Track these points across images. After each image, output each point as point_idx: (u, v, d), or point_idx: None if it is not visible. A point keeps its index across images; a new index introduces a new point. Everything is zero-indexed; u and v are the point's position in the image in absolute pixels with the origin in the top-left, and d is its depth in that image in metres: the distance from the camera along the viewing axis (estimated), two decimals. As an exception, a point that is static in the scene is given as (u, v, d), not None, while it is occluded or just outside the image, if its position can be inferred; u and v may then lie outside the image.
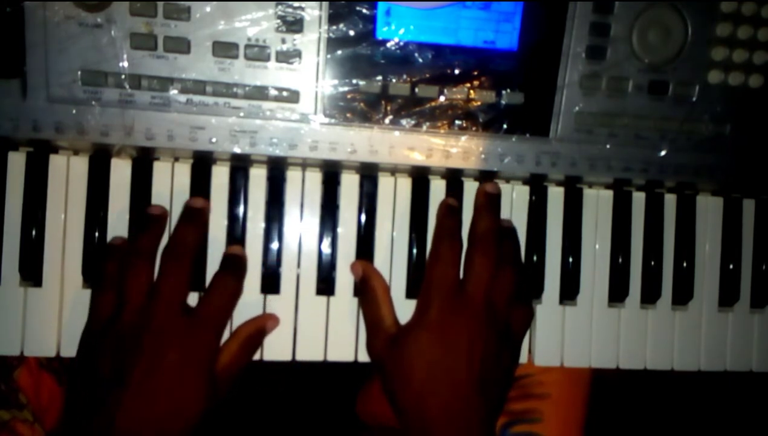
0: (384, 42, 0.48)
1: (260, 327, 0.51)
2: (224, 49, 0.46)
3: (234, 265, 0.50)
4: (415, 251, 0.53)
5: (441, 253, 0.49)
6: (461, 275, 0.50)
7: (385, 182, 0.54)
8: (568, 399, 0.60)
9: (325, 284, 0.53)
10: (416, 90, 0.48)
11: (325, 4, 0.46)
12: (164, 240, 0.49)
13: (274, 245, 0.52)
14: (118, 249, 0.49)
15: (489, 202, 0.51)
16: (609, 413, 0.69)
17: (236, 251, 0.51)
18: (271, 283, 0.52)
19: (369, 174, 0.53)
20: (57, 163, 0.50)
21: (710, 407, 0.84)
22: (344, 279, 0.53)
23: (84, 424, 0.44)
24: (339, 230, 0.53)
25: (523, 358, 0.55)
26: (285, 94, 0.48)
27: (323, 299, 0.53)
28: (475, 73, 0.49)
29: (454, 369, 0.46)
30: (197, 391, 0.46)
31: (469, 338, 0.47)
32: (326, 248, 0.53)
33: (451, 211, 0.51)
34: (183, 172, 0.51)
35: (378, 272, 0.52)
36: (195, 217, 0.49)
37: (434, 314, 0.48)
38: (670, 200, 0.57)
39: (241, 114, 0.47)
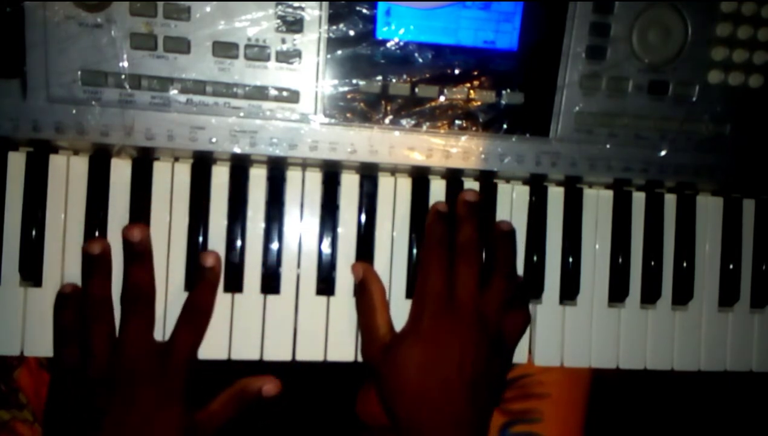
0: (384, 42, 0.48)
1: (257, 389, 0.50)
2: (224, 49, 0.46)
3: (206, 283, 0.50)
4: (415, 251, 0.53)
5: (429, 261, 0.50)
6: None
7: (385, 182, 0.54)
8: (568, 399, 0.60)
9: (325, 284, 0.53)
10: (416, 90, 0.48)
11: (325, 4, 0.46)
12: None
13: (274, 245, 0.52)
14: (70, 296, 0.48)
15: (469, 211, 0.51)
16: (609, 413, 0.69)
17: (208, 262, 0.50)
18: (271, 283, 0.52)
19: (369, 174, 0.53)
20: (57, 163, 0.50)
21: (710, 407, 0.84)
22: (344, 279, 0.53)
23: None
24: (339, 230, 0.53)
25: (523, 358, 0.55)
26: (285, 94, 0.48)
27: (323, 299, 0.53)
28: (475, 73, 0.49)
29: (446, 376, 0.47)
30: (174, 431, 0.46)
31: (460, 345, 0.47)
32: (326, 248, 0.53)
33: (438, 217, 0.51)
34: (183, 172, 0.51)
35: (377, 277, 0.52)
36: (138, 251, 0.48)
37: (425, 323, 0.48)
38: (670, 200, 0.57)
39: (241, 114, 0.47)
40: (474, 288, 0.49)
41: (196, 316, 0.49)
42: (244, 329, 0.52)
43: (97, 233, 0.50)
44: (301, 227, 0.53)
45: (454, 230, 0.51)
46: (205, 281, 0.49)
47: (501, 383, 0.51)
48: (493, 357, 0.49)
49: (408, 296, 0.53)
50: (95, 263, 0.48)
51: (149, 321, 0.48)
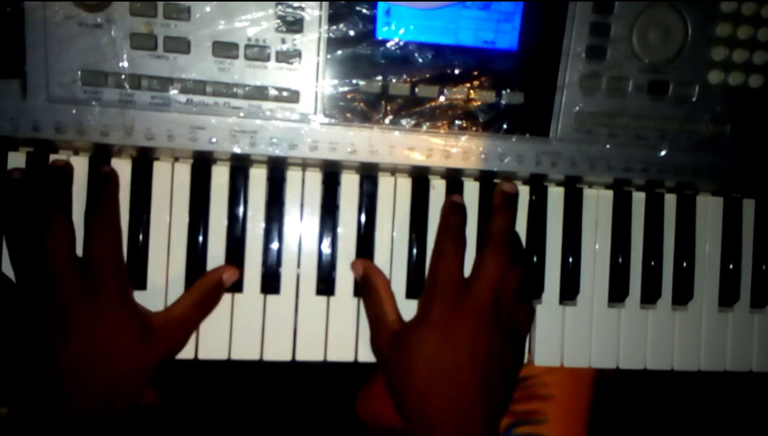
0: (384, 42, 0.48)
1: (216, 280, 0.50)
2: (224, 49, 0.46)
3: (104, 182, 0.48)
4: (415, 251, 0.53)
5: (445, 250, 0.49)
6: (466, 273, 0.49)
7: (385, 182, 0.54)
8: (572, 400, 0.60)
9: (325, 284, 0.53)
10: (416, 90, 0.48)
11: (325, 4, 0.46)
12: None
13: (274, 245, 0.52)
14: (22, 180, 0.48)
15: (506, 202, 0.51)
16: (613, 413, 0.69)
17: (106, 169, 0.49)
18: (271, 283, 0.52)
19: (369, 174, 0.53)
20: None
21: (710, 407, 0.84)
22: (344, 279, 0.53)
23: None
24: (339, 230, 0.53)
25: (526, 360, 0.55)
26: (285, 94, 0.48)
27: (323, 299, 0.53)
28: (475, 73, 0.49)
29: (458, 368, 0.46)
30: (117, 337, 0.45)
31: (473, 337, 0.46)
32: (326, 248, 0.53)
33: (456, 208, 0.51)
34: (183, 172, 0.51)
35: (379, 269, 0.52)
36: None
37: (438, 312, 0.47)
38: (670, 200, 0.57)
39: (241, 114, 0.47)
40: (498, 278, 0.48)
41: (105, 214, 0.47)
42: (244, 329, 0.52)
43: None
44: (301, 227, 0.53)
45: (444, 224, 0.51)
46: (102, 181, 0.48)
47: (513, 378, 0.50)
48: (506, 350, 0.48)
49: (408, 295, 0.53)
50: (59, 172, 0.48)
51: (67, 232, 0.46)
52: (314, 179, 0.53)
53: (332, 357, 0.53)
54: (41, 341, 0.44)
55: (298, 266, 0.53)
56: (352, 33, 0.47)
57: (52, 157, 0.50)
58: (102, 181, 0.48)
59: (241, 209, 0.52)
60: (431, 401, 0.46)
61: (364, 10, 0.47)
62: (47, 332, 0.44)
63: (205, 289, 0.50)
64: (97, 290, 0.45)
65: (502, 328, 0.48)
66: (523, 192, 0.55)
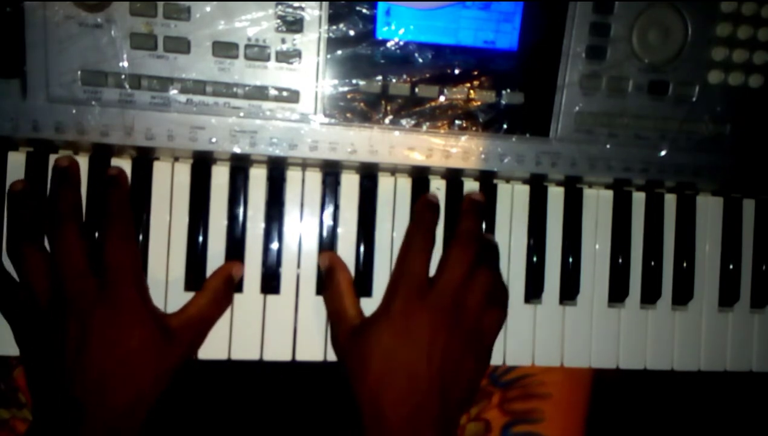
0: (384, 42, 0.48)
1: (226, 276, 0.50)
2: (224, 49, 0.46)
3: (113, 186, 0.47)
4: (415, 251, 0.53)
5: (413, 243, 0.49)
6: (432, 272, 0.49)
7: (385, 182, 0.53)
8: (570, 399, 0.60)
9: (325, 284, 0.53)
10: (416, 90, 0.48)
11: (325, 4, 0.46)
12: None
13: (274, 245, 0.52)
14: (26, 192, 0.48)
15: (474, 207, 0.51)
16: (610, 413, 0.69)
17: (113, 171, 0.48)
18: (271, 283, 0.52)
19: (369, 174, 0.53)
20: (57, 163, 0.50)
21: (710, 407, 0.84)
22: (344, 279, 0.53)
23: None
24: (339, 230, 0.53)
25: (526, 360, 0.55)
26: (285, 94, 0.48)
27: (323, 299, 0.53)
28: (475, 73, 0.49)
29: (413, 362, 0.45)
30: (139, 341, 0.44)
31: (432, 333, 0.45)
32: (326, 248, 0.53)
33: (430, 205, 0.50)
34: (183, 172, 0.51)
35: (344, 264, 0.51)
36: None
37: (398, 305, 0.46)
38: (670, 200, 0.57)
39: (241, 114, 0.47)
40: (460, 277, 0.47)
41: (119, 220, 0.46)
42: (243, 329, 0.52)
43: (96, 234, 0.50)
44: (301, 227, 0.53)
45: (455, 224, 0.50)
46: (111, 186, 0.47)
47: (475, 381, 0.49)
48: (467, 351, 0.47)
49: (408, 296, 0.53)
50: (65, 174, 0.47)
51: (79, 242, 0.45)
52: (314, 179, 0.53)
53: (332, 357, 0.53)
54: (61, 353, 0.43)
55: (298, 266, 0.53)
56: (352, 33, 0.47)
57: (52, 157, 0.50)
58: (111, 186, 0.47)
59: (241, 209, 0.52)
60: (384, 394, 0.45)
61: (364, 10, 0.47)
62: (66, 344, 0.43)
63: (217, 286, 0.50)
64: (116, 298, 0.44)
65: (463, 328, 0.47)
66: (523, 192, 0.55)
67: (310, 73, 0.47)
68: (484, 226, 0.54)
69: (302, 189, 0.53)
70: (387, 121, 0.49)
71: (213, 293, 0.49)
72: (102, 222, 0.46)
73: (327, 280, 0.51)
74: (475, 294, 0.48)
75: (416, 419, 0.44)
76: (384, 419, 0.44)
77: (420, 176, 0.54)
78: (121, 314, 0.44)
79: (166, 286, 0.51)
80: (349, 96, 0.48)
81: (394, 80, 0.48)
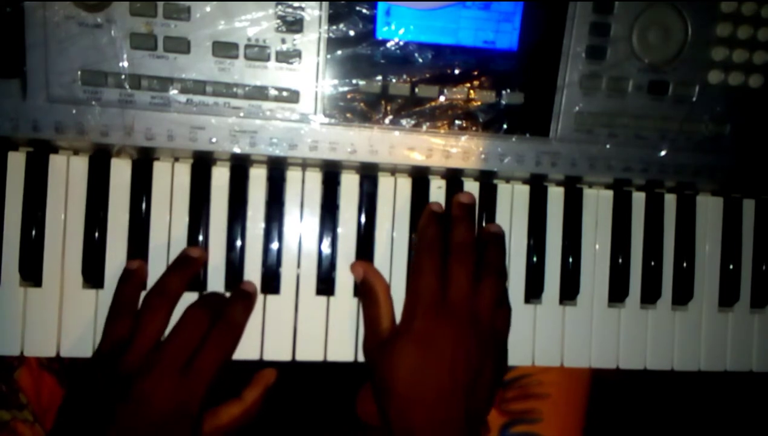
0: (384, 42, 0.48)
1: (265, 387, 0.52)
2: (224, 49, 0.46)
3: (244, 301, 0.50)
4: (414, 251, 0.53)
5: (423, 264, 0.49)
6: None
7: (385, 182, 0.54)
8: (568, 399, 0.60)
9: (325, 284, 0.53)
10: (416, 90, 0.48)
11: (325, 4, 0.46)
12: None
13: (274, 245, 0.52)
14: (134, 274, 0.49)
15: (464, 212, 0.51)
16: (609, 413, 0.69)
17: (247, 287, 0.51)
18: (271, 283, 0.52)
19: (369, 174, 0.53)
20: (57, 163, 0.50)
21: (710, 407, 0.84)
22: (344, 279, 0.53)
23: None
24: (339, 230, 0.53)
25: (526, 360, 0.55)
26: (285, 94, 0.48)
27: (323, 299, 0.53)
28: (475, 73, 0.49)
29: (438, 377, 0.47)
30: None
31: (453, 347, 0.47)
32: (326, 248, 0.53)
33: (432, 217, 0.51)
34: (183, 172, 0.51)
35: (379, 273, 0.52)
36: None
37: (418, 324, 0.48)
38: (670, 200, 0.57)
39: (241, 114, 0.47)
40: (468, 289, 0.48)
41: (227, 331, 0.48)
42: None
43: (97, 234, 0.50)
44: (301, 227, 0.53)
45: (449, 231, 0.51)
46: (242, 299, 0.50)
47: (495, 383, 0.50)
48: (485, 358, 0.48)
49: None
50: (186, 263, 0.50)
51: (165, 324, 0.48)
52: (314, 179, 0.53)
53: (332, 357, 0.53)
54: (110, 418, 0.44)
55: (298, 266, 0.53)
56: (352, 33, 0.47)
57: (52, 157, 0.50)
58: (240, 300, 0.50)
59: (241, 209, 0.52)
60: (412, 409, 0.46)
61: (364, 10, 0.47)
62: (117, 412, 0.44)
63: (255, 399, 0.52)
64: (189, 394, 0.45)
65: (481, 336, 0.48)
66: (523, 192, 0.55)
67: (310, 73, 0.47)
68: (484, 223, 0.54)
69: (302, 189, 0.53)
70: (387, 121, 0.49)
71: (249, 405, 0.51)
72: (218, 323, 0.48)
73: (363, 289, 0.52)
74: (486, 299, 0.49)
75: (445, 431, 0.46)
76: (414, 432, 0.46)
77: (420, 176, 0.54)
78: (177, 416, 0.45)
79: (166, 286, 0.51)
80: (349, 96, 0.48)
81: (394, 80, 0.48)
